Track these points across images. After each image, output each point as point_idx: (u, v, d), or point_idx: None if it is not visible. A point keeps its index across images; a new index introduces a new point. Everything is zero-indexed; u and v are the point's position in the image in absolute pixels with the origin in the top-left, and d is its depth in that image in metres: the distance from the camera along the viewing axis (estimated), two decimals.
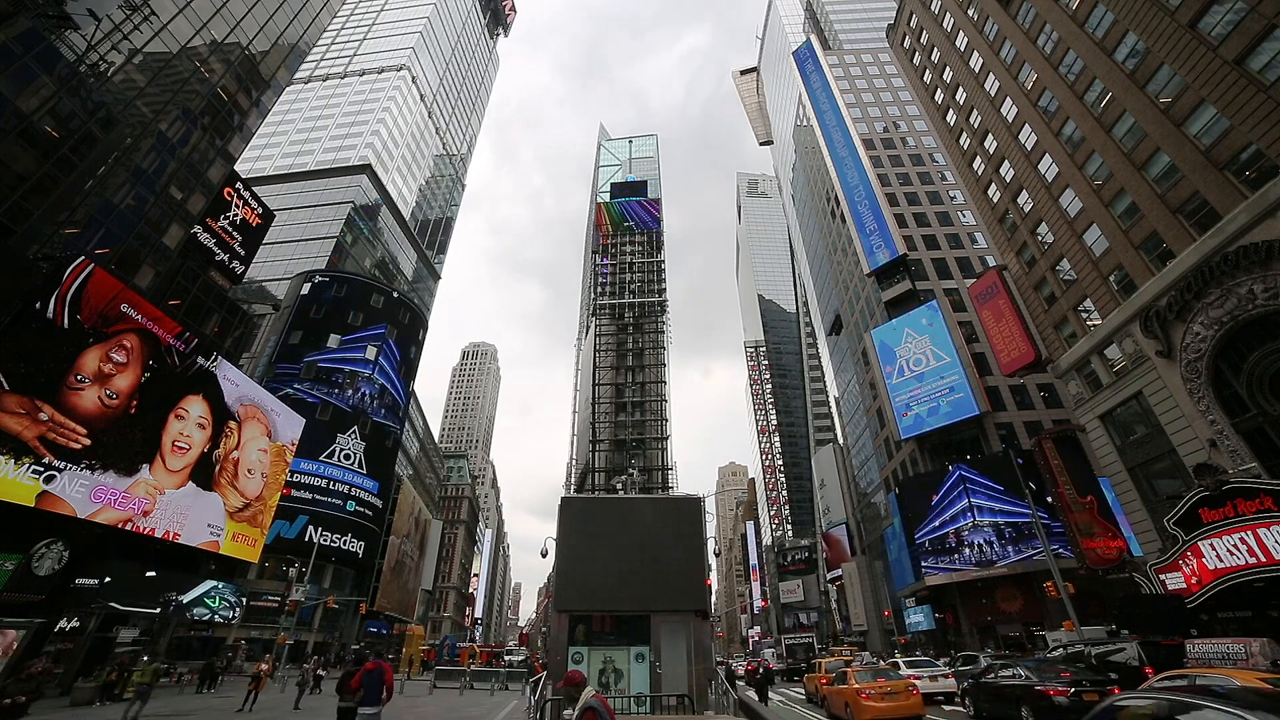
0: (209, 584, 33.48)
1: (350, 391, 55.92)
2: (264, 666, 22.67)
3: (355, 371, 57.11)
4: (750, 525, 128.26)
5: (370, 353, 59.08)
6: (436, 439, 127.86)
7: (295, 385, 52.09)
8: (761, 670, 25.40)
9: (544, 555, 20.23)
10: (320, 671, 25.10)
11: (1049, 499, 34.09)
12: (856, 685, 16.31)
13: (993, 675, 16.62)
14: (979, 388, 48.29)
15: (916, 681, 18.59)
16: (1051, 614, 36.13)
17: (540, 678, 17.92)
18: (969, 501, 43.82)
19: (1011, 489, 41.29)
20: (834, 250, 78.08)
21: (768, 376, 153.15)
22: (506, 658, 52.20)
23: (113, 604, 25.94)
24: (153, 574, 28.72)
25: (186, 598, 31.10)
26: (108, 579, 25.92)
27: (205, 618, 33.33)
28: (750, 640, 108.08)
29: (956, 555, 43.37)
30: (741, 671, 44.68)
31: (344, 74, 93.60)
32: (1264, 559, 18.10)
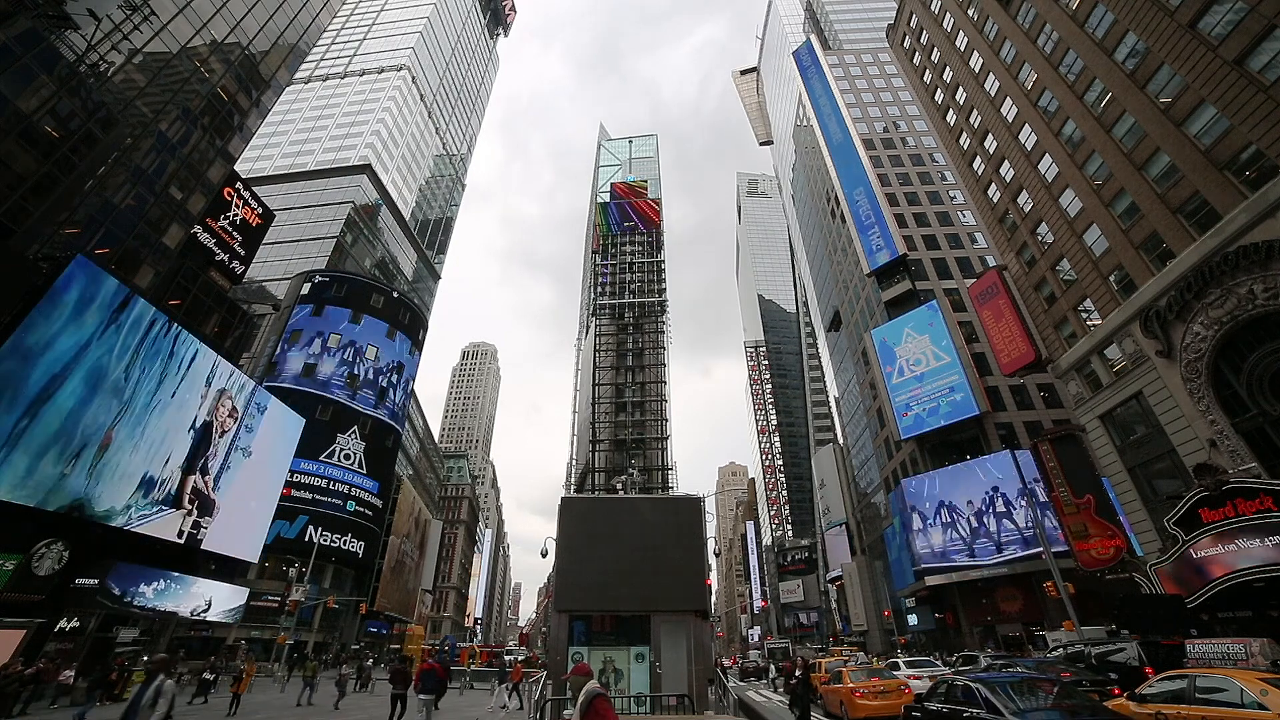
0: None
1: (350, 391, 55.92)
2: (243, 665, 23.00)
3: (355, 372, 57.12)
4: (750, 525, 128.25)
5: (370, 352, 59.09)
6: (436, 439, 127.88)
7: (295, 385, 52.08)
8: (799, 675, 16.05)
9: (544, 555, 20.24)
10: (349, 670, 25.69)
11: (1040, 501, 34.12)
12: (850, 684, 16.50)
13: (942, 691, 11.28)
14: (979, 388, 48.30)
15: (916, 681, 18.62)
16: (1051, 614, 36.14)
17: (511, 685, 19.48)
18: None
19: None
20: (834, 250, 78.08)
21: (768, 376, 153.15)
22: (507, 658, 52.14)
23: (133, 605, 25.91)
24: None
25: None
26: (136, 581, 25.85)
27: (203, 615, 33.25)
28: (750, 640, 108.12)
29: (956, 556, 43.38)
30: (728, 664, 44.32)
31: (344, 74, 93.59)
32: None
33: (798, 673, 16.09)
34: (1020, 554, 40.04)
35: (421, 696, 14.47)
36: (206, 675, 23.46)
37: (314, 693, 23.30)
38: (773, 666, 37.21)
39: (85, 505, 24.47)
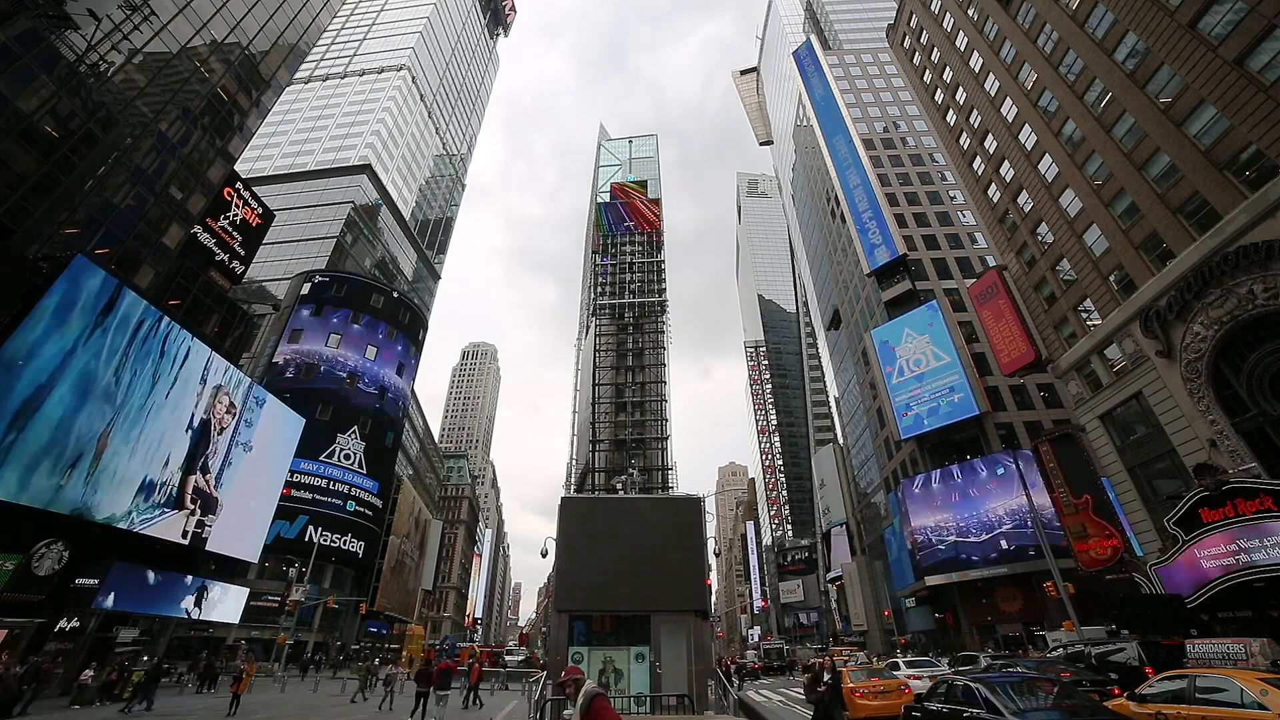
0: None
1: (350, 391, 55.93)
2: (244, 665, 23.19)
3: (355, 371, 57.12)
4: (750, 525, 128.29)
5: (370, 353, 59.10)
6: (436, 439, 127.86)
7: (295, 385, 52.09)
8: (828, 680, 14.05)
9: (544, 555, 20.24)
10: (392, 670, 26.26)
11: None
12: (850, 684, 16.44)
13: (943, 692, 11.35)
14: (979, 388, 48.29)
15: (916, 681, 18.62)
16: (1051, 614, 36.15)
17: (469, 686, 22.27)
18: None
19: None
20: (834, 250, 78.08)
21: (768, 376, 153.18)
22: (507, 658, 52.16)
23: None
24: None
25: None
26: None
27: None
28: (750, 639, 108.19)
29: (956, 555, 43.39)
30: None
31: (344, 74, 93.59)
32: None
33: (826, 677, 13.54)
34: (1020, 554, 39.98)
35: (439, 692, 16.65)
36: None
37: (369, 688, 25.26)
38: (733, 667, 36.24)
39: (84, 514, 24.31)
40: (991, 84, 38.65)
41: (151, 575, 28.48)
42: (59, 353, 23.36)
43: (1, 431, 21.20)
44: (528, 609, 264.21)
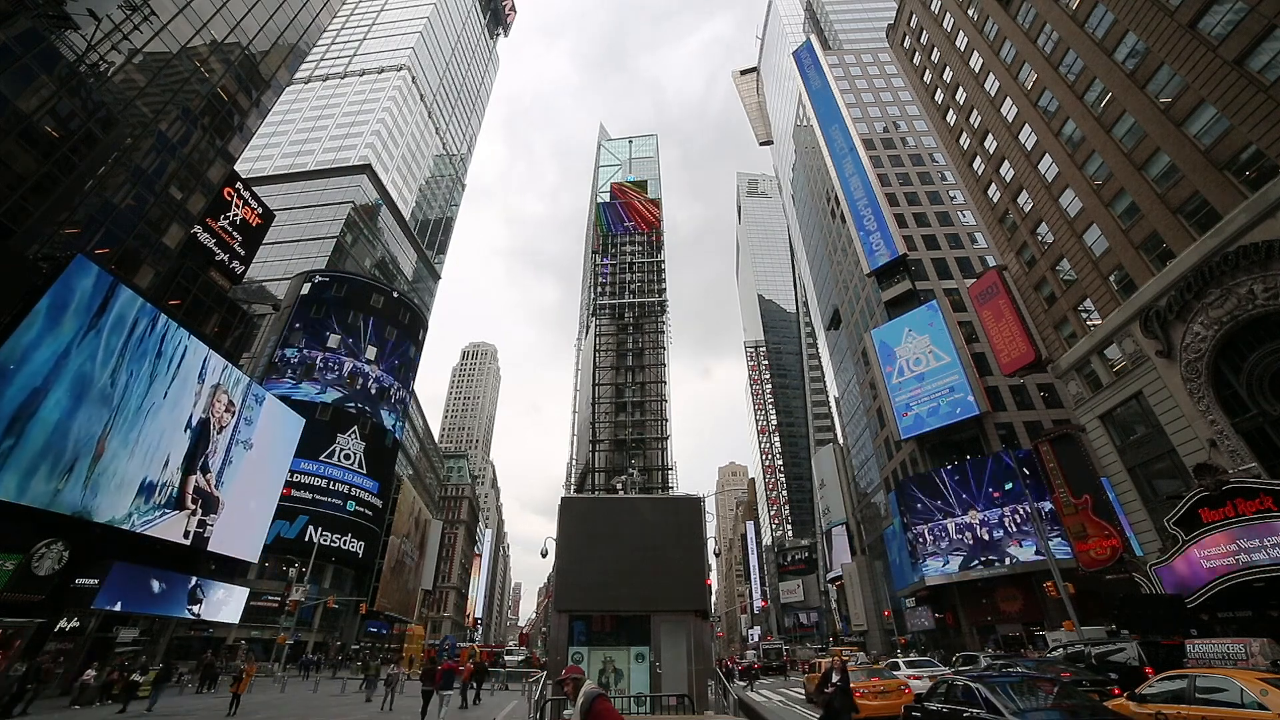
0: None
1: (350, 391, 55.93)
2: (244, 665, 23.29)
3: (355, 372, 57.13)
4: (750, 525, 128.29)
5: (370, 353, 59.11)
6: (436, 439, 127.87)
7: (295, 385, 52.10)
8: (837, 681, 12.68)
9: (544, 555, 20.27)
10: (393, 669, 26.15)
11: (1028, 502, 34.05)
12: (850, 684, 16.40)
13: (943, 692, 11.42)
14: (979, 388, 48.29)
15: (916, 681, 18.63)
16: (1051, 614, 36.13)
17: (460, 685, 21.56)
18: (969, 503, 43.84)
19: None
20: (834, 250, 78.08)
21: (768, 376, 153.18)
22: (506, 658, 52.13)
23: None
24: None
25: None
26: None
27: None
28: (750, 639, 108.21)
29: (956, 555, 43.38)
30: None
31: (344, 74, 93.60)
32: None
33: (835, 677, 12.86)
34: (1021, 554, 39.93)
35: (443, 691, 17.45)
36: (136, 677, 21.38)
37: (373, 689, 25.36)
38: (735, 669, 36.19)
39: (84, 516, 24.20)
40: (991, 84, 38.66)
41: (152, 575, 28.48)
42: (53, 355, 22.95)
43: None
44: (528, 609, 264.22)
